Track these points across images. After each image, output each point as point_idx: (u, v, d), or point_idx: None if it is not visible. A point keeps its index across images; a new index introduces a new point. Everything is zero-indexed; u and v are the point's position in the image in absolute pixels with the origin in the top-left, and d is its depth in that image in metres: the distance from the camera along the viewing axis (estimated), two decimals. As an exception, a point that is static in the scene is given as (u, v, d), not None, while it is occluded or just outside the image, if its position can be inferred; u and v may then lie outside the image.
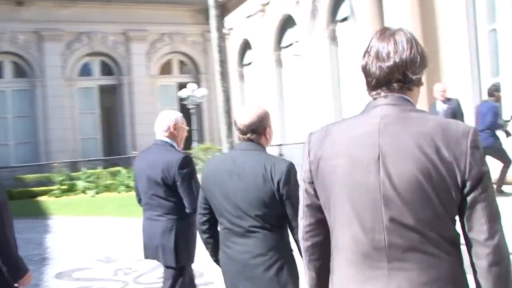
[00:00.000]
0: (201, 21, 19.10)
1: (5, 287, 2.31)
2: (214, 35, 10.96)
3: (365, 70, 1.37)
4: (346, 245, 1.34)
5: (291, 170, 2.17)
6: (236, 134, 2.47)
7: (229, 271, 2.31)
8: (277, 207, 2.17)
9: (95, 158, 17.87)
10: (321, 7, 12.83)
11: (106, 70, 19.49)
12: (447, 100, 6.55)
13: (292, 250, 2.23)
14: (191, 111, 16.70)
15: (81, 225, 9.23)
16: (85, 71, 19.20)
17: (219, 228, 2.36)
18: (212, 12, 10.90)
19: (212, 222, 2.37)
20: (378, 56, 1.33)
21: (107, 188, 14.64)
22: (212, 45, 11.30)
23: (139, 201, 3.30)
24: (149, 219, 3.16)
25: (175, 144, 3.16)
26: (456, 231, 1.28)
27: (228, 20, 17.00)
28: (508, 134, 6.32)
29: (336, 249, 1.38)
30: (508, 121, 6.49)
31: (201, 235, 2.44)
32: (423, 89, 1.43)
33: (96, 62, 19.29)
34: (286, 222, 2.20)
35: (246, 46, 17.84)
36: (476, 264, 1.27)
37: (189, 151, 14.93)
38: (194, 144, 16.08)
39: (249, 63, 17.78)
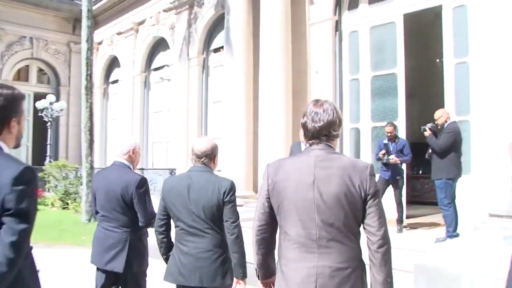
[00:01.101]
0: (67, 30, 18.05)
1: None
2: (84, 46, 10.35)
3: (304, 126, 2.15)
4: (291, 238, 2.11)
5: (232, 185, 3.05)
6: (191, 158, 3.14)
7: (182, 264, 2.99)
8: (221, 213, 2.98)
9: None
10: (195, 35, 12.98)
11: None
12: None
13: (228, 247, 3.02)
14: (48, 124, 15.44)
15: None
16: None
17: (174, 230, 3.07)
18: (85, 23, 10.32)
19: (167, 227, 3.13)
20: (313, 119, 2.11)
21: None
22: (81, 57, 10.63)
23: (96, 213, 3.67)
24: (105, 229, 3.52)
25: (131, 166, 3.61)
26: (359, 229, 2.12)
27: (97, 34, 16.25)
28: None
29: (284, 240, 2.14)
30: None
31: (157, 236, 3.15)
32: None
33: None
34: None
35: (113, 63, 17.22)
36: (370, 247, 2.07)
37: (42, 167, 13.73)
38: (48, 160, 14.83)
39: (115, 81, 17.14)
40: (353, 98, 9.54)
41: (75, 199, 12.49)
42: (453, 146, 5.88)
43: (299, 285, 2.09)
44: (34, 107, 16.10)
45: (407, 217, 7.65)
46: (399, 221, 7.02)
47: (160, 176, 11.29)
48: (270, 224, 2.24)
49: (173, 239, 3.15)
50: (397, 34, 8.74)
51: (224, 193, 2.98)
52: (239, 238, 2.98)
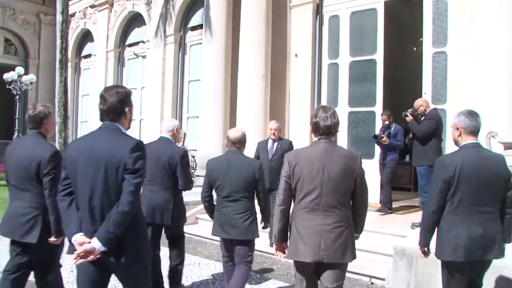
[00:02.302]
0: (37, 0, 17.32)
1: (46, 237, 3.42)
2: (58, 18, 10.00)
3: (317, 125, 3.10)
4: (304, 205, 3.07)
5: (261, 165, 4.27)
6: (226, 144, 4.34)
7: (221, 221, 4.16)
8: (253, 186, 4.18)
9: None
10: (173, 11, 12.73)
11: None
12: (278, 140, 6.48)
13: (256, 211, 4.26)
14: (16, 98, 14.95)
15: None
16: None
17: (215, 198, 4.26)
18: (60, -7, 9.97)
19: (210, 197, 4.33)
20: (324, 120, 3.08)
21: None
22: (56, 29, 10.27)
23: None
24: (151, 191, 4.32)
25: (174, 141, 4.57)
26: (350, 201, 3.13)
27: (70, 5, 15.63)
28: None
29: (298, 208, 3.12)
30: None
31: (204, 204, 4.37)
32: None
33: None
34: (254, 194, 4.24)
35: (86, 37, 16.74)
36: (356, 211, 3.18)
37: (9, 141, 13.33)
38: (16, 135, 14.39)
39: (88, 56, 16.70)
40: (331, 83, 9.61)
41: (45, 176, 12.20)
42: (434, 133, 5.99)
43: (309, 236, 3.06)
44: (1, 79, 15.54)
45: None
46: (383, 202, 7.44)
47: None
48: (288, 198, 3.17)
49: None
50: (378, 21, 8.81)
51: (255, 171, 4.17)
52: (267, 204, 4.31)
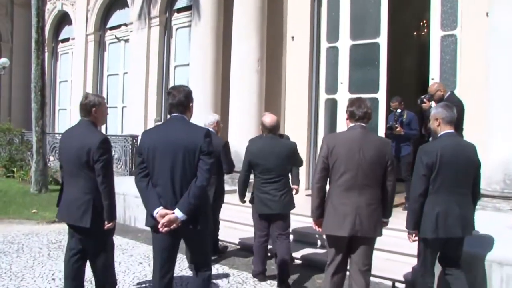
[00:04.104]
0: (8, -21, 16.27)
1: (100, 223, 3.63)
2: (34, -5, 9.14)
3: (353, 112, 3.54)
4: (341, 184, 3.46)
5: (295, 146, 4.98)
6: (261, 128, 4.90)
7: (264, 199, 4.72)
8: (289, 165, 4.89)
9: None
10: (157, -8, 11.96)
11: None
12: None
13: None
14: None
15: None
16: None
17: (253, 179, 4.86)
18: (33, -31, 9.09)
19: (249, 178, 4.94)
20: (358, 107, 3.53)
21: None
22: (31, 7, 9.39)
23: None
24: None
25: (216, 133, 5.39)
26: (382, 181, 3.50)
27: (46, -15, 14.72)
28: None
29: (335, 187, 3.50)
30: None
31: (242, 184, 4.98)
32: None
33: None
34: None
35: (63, 19, 15.78)
36: (386, 191, 3.51)
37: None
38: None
39: (66, 40, 15.76)
40: (330, 67, 9.04)
41: (21, 167, 11.39)
42: (458, 123, 5.43)
43: (346, 212, 3.43)
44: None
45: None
46: (407, 198, 6.71)
47: (116, 144, 10.28)
48: (325, 176, 3.53)
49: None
50: (381, 1, 8.25)
51: (291, 151, 4.83)
52: (299, 180, 5.76)
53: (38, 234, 6.75)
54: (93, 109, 3.76)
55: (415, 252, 4.45)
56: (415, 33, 11.37)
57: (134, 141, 10.02)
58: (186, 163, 3.17)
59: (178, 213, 3.12)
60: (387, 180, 3.47)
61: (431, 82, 7.68)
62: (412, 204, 3.63)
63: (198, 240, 3.33)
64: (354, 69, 8.73)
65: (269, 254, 5.19)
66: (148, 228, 6.51)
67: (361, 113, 3.51)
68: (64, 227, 7.05)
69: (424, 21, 10.83)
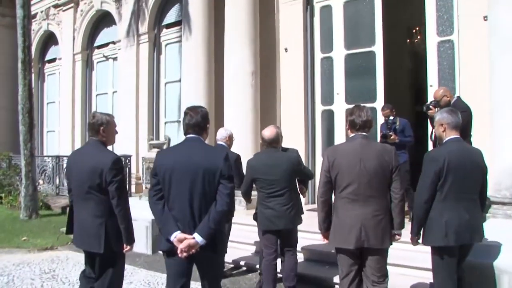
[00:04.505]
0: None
1: (113, 248, 3.52)
2: (19, 13, 8.86)
3: (353, 121, 3.53)
4: (345, 195, 3.46)
5: (298, 158, 4.77)
6: (262, 143, 4.87)
7: (270, 215, 4.55)
8: (293, 177, 4.69)
9: None
10: (146, 8, 11.78)
11: None
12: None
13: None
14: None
15: None
16: None
17: (258, 193, 4.74)
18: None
19: (250, 193, 4.91)
20: (359, 116, 3.51)
21: None
22: (17, 25, 9.11)
23: None
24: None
25: (228, 147, 5.43)
26: (388, 190, 3.46)
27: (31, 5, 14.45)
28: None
29: (339, 198, 3.50)
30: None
31: (244, 194, 4.93)
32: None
33: None
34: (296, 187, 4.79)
35: (49, 40, 15.52)
36: (393, 201, 3.46)
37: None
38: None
39: (52, 60, 15.47)
40: (326, 78, 8.87)
41: (10, 192, 11.00)
42: (467, 128, 5.23)
43: (350, 225, 3.39)
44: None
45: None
46: (411, 208, 6.30)
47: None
48: (328, 190, 3.52)
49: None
50: (375, 9, 8.13)
51: (296, 164, 4.67)
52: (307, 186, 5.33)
53: (29, 263, 6.40)
54: (101, 128, 3.62)
55: (429, 265, 4.32)
56: (408, 41, 11.27)
57: (127, 161, 9.72)
58: (205, 186, 3.12)
59: (198, 238, 3.07)
60: (393, 188, 3.43)
61: (429, 89, 7.55)
62: (417, 210, 3.57)
63: (213, 264, 3.26)
64: (350, 79, 8.57)
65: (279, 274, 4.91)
66: (146, 252, 6.47)
67: (361, 122, 3.48)
68: (57, 255, 6.79)
69: (417, 28, 10.76)
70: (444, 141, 3.64)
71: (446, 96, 5.43)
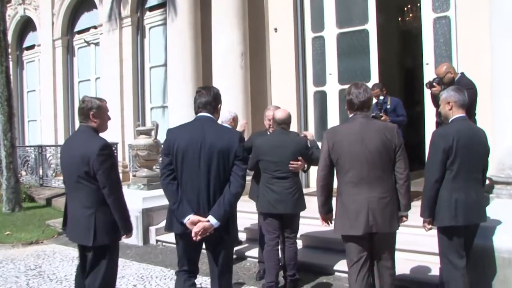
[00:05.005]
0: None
1: (105, 240, 3.29)
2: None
3: (351, 101, 3.32)
4: (349, 179, 3.25)
5: (306, 143, 4.54)
6: (272, 124, 4.66)
7: (272, 198, 4.34)
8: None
9: None
10: (127, -10, 11.31)
11: None
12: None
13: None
14: None
15: None
16: None
17: (261, 175, 4.48)
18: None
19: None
20: (357, 96, 3.29)
21: None
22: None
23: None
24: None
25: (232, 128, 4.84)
26: (393, 170, 3.28)
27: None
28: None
29: (343, 183, 3.29)
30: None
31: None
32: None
33: None
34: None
35: (27, 26, 14.92)
36: (398, 182, 3.27)
37: None
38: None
39: (31, 47, 14.89)
40: (317, 58, 8.60)
41: (-11, 185, 10.56)
42: (472, 106, 4.99)
43: (356, 210, 3.20)
44: None
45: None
46: None
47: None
48: (329, 173, 3.35)
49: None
50: (368, -15, 7.84)
51: (303, 146, 4.46)
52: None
53: (13, 259, 6.06)
54: (91, 113, 3.37)
55: (433, 249, 4.17)
56: (399, 19, 11.01)
57: (114, 149, 9.34)
58: (220, 167, 3.05)
59: (212, 221, 3.01)
60: (397, 168, 3.26)
61: (425, 67, 7.33)
62: (427, 191, 3.45)
63: (224, 246, 3.18)
64: (342, 59, 8.31)
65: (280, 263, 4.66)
66: (137, 243, 6.18)
67: (359, 102, 3.28)
68: (43, 249, 6.47)
69: (409, 6, 10.51)
70: (450, 120, 3.57)
71: (450, 73, 5.18)
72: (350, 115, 3.37)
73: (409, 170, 3.32)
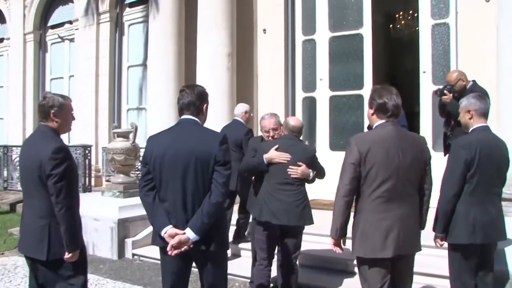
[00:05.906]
0: None
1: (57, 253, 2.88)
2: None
3: (384, 106, 2.91)
4: (380, 194, 2.82)
5: (314, 153, 4.23)
6: (285, 130, 4.29)
7: (273, 206, 3.92)
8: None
9: None
10: (107, -15, 10.71)
11: None
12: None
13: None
14: None
15: None
16: None
17: (264, 183, 4.08)
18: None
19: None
20: (390, 99, 2.90)
21: None
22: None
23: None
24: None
25: (244, 123, 5.68)
26: (420, 187, 2.97)
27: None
28: None
29: (371, 198, 2.85)
30: None
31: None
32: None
33: None
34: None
35: (-2, 18, 14.10)
36: (424, 198, 2.98)
37: None
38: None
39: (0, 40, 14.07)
40: (308, 62, 8.19)
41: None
42: None
43: (387, 230, 2.81)
44: None
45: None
46: None
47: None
48: (355, 188, 2.89)
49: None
50: (364, -13, 7.49)
51: (311, 155, 4.13)
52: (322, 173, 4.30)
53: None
54: (52, 112, 3.02)
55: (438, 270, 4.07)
56: (391, 26, 10.73)
57: (87, 151, 8.73)
58: (198, 175, 2.78)
59: (189, 234, 2.73)
60: (425, 184, 2.96)
61: (422, 76, 7.02)
62: (444, 204, 3.21)
63: (212, 263, 2.86)
64: (334, 64, 7.93)
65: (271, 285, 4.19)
66: (111, 257, 5.67)
67: (393, 106, 2.90)
68: (4, 262, 5.80)
69: (401, 12, 10.25)
70: (470, 129, 3.33)
71: (462, 80, 4.82)
72: (378, 122, 2.95)
73: (432, 186, 3.05)
